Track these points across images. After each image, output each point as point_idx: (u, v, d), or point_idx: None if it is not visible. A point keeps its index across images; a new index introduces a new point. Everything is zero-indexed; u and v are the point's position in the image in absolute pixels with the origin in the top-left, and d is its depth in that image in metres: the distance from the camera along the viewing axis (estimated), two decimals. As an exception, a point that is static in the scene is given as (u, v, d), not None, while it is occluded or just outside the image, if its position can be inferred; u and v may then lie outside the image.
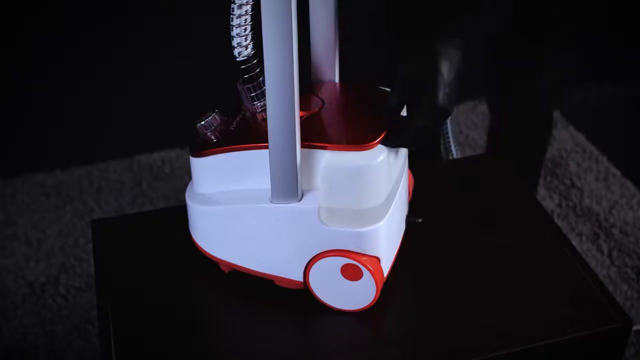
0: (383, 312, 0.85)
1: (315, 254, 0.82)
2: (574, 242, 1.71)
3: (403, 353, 0.81)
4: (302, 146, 0.78)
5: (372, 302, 0.83)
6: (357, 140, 0.78)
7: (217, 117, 0.84)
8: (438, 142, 1.31)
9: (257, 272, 0.86)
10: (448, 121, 1.11)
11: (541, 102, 1.48)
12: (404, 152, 0.86)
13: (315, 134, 0.80)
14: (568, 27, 1.38)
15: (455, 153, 1.12)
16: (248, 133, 0.83)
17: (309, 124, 0.81)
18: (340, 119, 0.84)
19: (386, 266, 0.84)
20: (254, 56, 0.79)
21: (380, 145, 0.79)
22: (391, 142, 0.80)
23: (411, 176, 0.97)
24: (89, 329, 1.54)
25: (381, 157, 0.78)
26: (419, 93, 0.79)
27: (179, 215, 0.93)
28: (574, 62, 1.53)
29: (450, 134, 1.12)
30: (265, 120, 0.81)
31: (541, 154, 1.59)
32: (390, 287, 0.85)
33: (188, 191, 0.89)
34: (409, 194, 0.95)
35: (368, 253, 0.81)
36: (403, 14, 1.31)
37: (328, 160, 0.78)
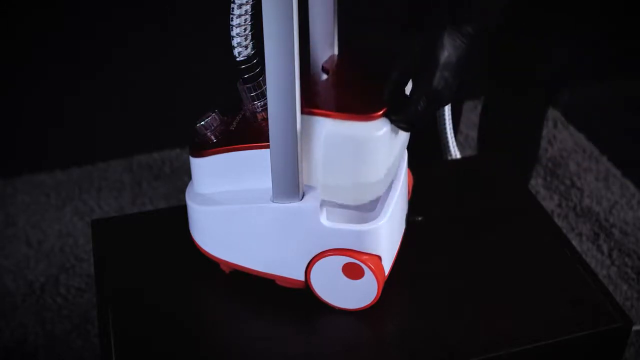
0: (383, 312, 0.85)
1: (317, 253, 0.82)
2: (574, 242, 1.71)
3: (403, 353, 0.81)
4: (303, 113, 0.76)
5: (374, 300, 0.83)
6: (361, 110, 0.77)
7: (217, 117, 0.84)
8: (437, 139, 1.30)
9: (259, 271, 0.86)
10: (447, 120, 1.10)
11: (538, 98, 1.48)
12: (403, 133, 0.85)
13: (318, 102, 0.78)
14: (568, 26, 1.38)
15: (454, 153, 1.12)
16: (248, 133, 0.83)
17: (310, 91, 0.80)
18: (344, 88, 0.82)
19: (387, 265, 0.84)
20: (254, 56, 0.79)
21: (383, 118, 0.77)
22: (389, 118, 0.78)
23: (411, 175, 0.97)
24: (89, 329, 1.54)
25: (384, 130, 0.77)
26: (417, 74, 0.78)
27: (179, 215, 0.93)
28: (573, 60, 1.53)
29: (449, 134, 1.11)
30: (265, 120, 0.81)
31: (535, 150, 1.59)
32: (391, 287, 0.85)
33: (188, 191, 0.89)
34: (408, 192, 0.95)
35: (369, 252, 0.81)
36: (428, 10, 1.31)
37: (329, 129, 0.77)
